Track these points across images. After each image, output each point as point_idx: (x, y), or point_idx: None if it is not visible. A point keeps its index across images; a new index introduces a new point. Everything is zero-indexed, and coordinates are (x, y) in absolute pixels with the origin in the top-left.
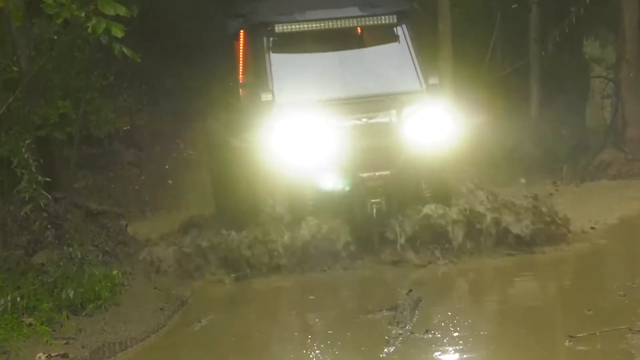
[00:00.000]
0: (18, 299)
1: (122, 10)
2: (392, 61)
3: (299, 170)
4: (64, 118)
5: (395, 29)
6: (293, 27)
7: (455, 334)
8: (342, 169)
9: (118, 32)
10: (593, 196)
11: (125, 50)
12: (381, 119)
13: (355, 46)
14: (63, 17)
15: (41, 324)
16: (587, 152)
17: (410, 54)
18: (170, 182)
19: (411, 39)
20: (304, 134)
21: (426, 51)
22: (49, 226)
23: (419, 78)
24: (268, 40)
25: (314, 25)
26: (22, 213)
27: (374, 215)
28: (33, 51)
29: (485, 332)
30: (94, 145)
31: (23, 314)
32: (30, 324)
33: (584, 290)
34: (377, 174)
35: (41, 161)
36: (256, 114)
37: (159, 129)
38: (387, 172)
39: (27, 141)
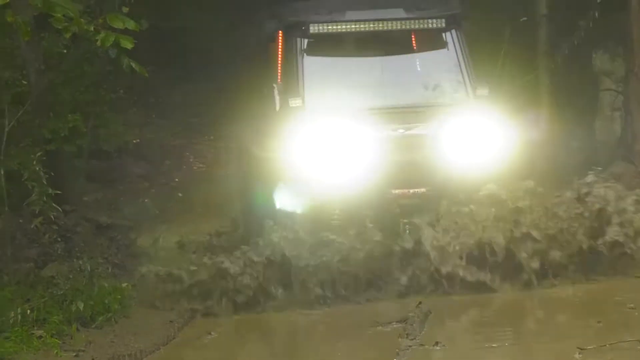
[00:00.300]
0: (28, 311)
1: (131, 24)
2: (438, 69)
3: (323, 185)
4: (73, 131)
5: (444, 34)
6: (330, 27)
7: (465, 347)
8: (370, 184)
9: (127, 43)
10: None
11: (133, 64)
12: (419, 130)
13: (398, 51)
14: (71, 31)
15: (51, 337)
16: (597, 165)
17: (459, 61)
18: (180, 195)
19: (461, 46)
20: (330, 143)
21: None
22: (59, 239)
23: (466, 88)
24: (302, 42)
25: (353, 26)
26: (32, 226)
27: (407, 237)
28: (42, 65)
29: (495, 345)
30: (103, 159)
31: (33, 326)
32: (40, 337)
33: (594, 302)
34: (411, 191)
35: (51, 174)
36: (284, 120)
37: (168, 143)
38: (423, 190)
39: (39, 154)
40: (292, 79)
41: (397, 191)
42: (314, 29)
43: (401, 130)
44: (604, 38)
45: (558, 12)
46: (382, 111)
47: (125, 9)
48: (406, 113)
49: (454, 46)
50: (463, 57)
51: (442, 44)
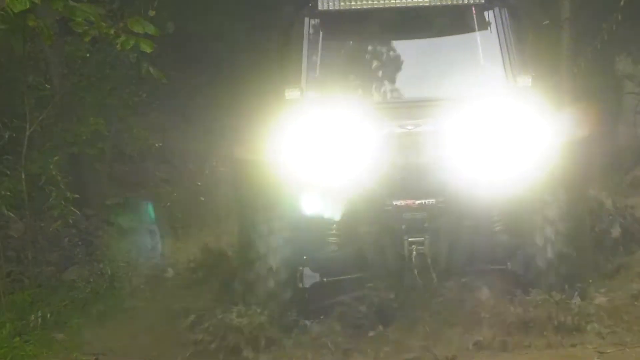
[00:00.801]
0: (48, 314)
1: (151, 29)
2: (473, 55)
3: (318, 196)
4: (96, 135)
5: (485, 13)
6: (341, 3)
7: (486, 354)
8: (367, 193)
9: (147, 47)
10: None
11: (151, 69)
12: (432, 126)
13: (424, 33)
14: (91, 35)
15: (71, 340)
16: (620, 169)
17: (500, 46)
18: (202, 199)
19: (504, 28)
20: (321, 144)
21: None
22: (79, 243)
23: (505, 77)
24: (309, 21)
25: (370, 2)
26: (50, 229)
27: (413, 260)
28: (65, 69)
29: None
30: (126, 163)
31: (53, 329)
32: (61, 340)
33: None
34: (417, 202)
35: (72, 178)
36: (278, 116)
37: (191, 147)
38: (432, 201)
39: (56, 158)
40: (294, 66)
41: (399, 202)
42: (322, 5)
43: (409, 127)
44: (627, 42)
45: (581, 15)
46: (398, 105)
47: (151, 13)
48: (426, 107)
49: (496, 27)
50: (505, 41)
51: (481, 24)
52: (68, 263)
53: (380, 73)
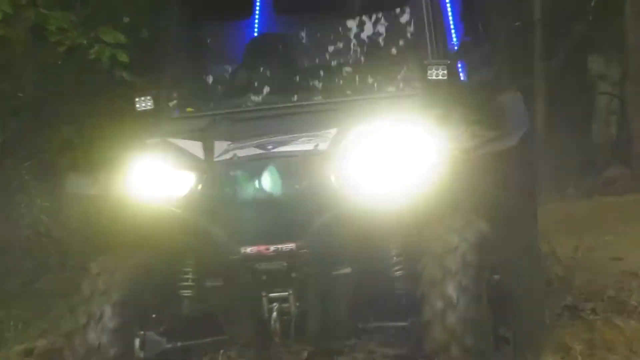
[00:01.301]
0: (23, 324)
1: (121, 38)
2: (375, 40)
3: (168, 239)
4: (68, 143)
5: None
6: None
7: None
8: (209, 238)
9: (124, 57)
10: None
11: (125, 75)
12: (296, 146)
13: (321, 19)
14: (67, 45)
15: (47, 350)
16: (594, 168)
17: (411, 26)
18: None
19: (427, 10)
20: (159, 171)
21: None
22: (52, 251)
23: (418, 70)
24: (175, 10)
25: None
26: (21, 238)
27: (273, 322)
28: (39, 76)
29: None
30: (101, 170)
31: (27, 340)
32: (35, 350)
33: None
34: (271, 248)
35: (47, 185)
36: (124, 133)
37: None
38: (291, 246)
39: (26, 164)
40: (159, 68)
41: (249, 249)
42: None
43: (270, 147)
44: (599, 42)
45: (553, 16)
46: (274, 113)
47: (126, 19)
48: (303, 113)
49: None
50: (428, 23)
51: (393, 4)
52: (43, 271)
53: (260, 70)
